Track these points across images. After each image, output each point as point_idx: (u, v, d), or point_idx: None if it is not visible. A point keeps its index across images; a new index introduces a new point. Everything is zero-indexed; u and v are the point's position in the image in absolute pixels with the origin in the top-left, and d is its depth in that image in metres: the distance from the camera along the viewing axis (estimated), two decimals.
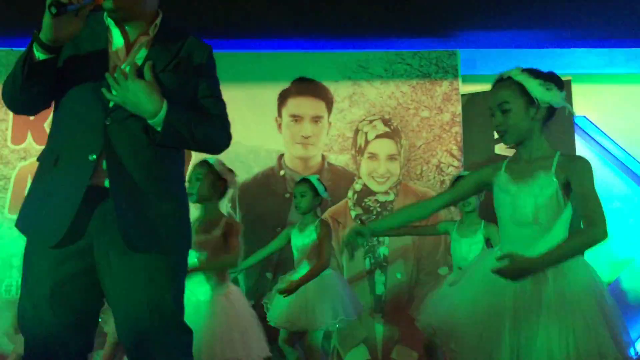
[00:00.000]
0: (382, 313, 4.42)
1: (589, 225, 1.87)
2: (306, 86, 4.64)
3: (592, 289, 1.87)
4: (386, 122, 4.64)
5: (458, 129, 4.61)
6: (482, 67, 4.82)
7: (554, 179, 1.89)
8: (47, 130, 4.60)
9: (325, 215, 4.48)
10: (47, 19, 1.55)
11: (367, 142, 4.63)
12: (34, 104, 1.76)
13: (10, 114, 4.47)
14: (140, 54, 1.76)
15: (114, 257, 1.68)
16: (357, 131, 4.62)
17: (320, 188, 3.50)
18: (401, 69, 4.68)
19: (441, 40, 4.72)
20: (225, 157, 4.75)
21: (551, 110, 1.96)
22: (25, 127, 4.50)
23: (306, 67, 4.67)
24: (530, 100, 1.92)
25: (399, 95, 4.67)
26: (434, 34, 4.65)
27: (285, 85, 4.64)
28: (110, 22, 1.78)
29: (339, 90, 4.65)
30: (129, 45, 1.77)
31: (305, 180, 3.54)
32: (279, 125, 4.61)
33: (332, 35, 4.68)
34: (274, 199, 4.51)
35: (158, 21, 1.81)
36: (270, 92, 4.61)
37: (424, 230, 3.72)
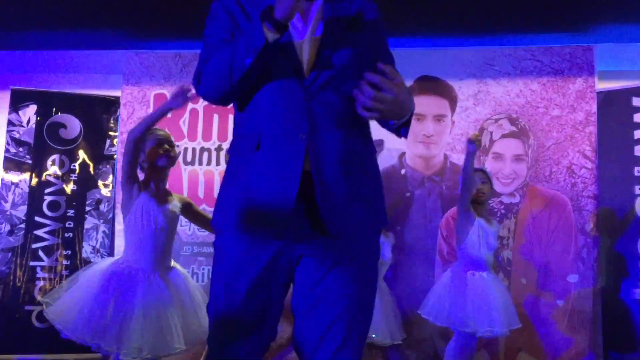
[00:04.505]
0: None
1: None
2: (429, 84, 4.59)
3: None
4: (513, 121, 4.48)
5: (592, 128, 4.36)
6: (620, 63, 4.53)
7: None
8: None
9: (447, 216, 4.41)
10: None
11: (492, 142, 4.49)
12: (246, 92, 1.61)
13: None
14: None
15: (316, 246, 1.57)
16: (481, 130, 4.50)
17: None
18: (531, 66, 4.50)
19: (576, 34, 4.49)
20: None
21: None
22: None
23: (430, 65, 4.61)
24: None
25: (527, 93, 4.49)
26: (567, 28, 4.43)
27: (408, 83, 4.59)
28: None
29: (464, 89, 4.55)
30: (304, 17, 1.65)
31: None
32: None
33: (457, 32, 4.59)
34: (395, 197, 4.50)
35: None
36: None
37: None
